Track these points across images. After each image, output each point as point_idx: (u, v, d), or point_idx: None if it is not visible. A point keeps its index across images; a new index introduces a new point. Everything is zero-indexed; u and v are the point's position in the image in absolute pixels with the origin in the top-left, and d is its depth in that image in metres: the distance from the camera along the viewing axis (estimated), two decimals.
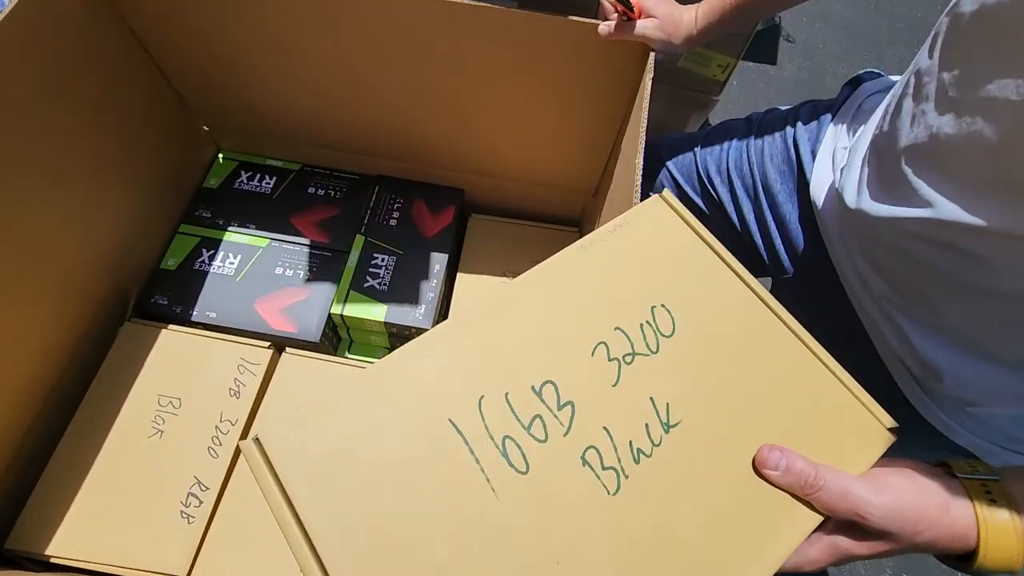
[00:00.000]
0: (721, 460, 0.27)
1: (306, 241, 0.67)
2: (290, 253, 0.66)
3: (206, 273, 0.63)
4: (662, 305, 0.29)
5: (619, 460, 0.26)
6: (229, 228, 0.67)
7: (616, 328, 0.28)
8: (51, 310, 0.51)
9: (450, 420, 0.25)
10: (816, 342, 0.30)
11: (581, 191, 0.70)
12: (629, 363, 0.28)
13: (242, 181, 0.70)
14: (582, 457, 0.25)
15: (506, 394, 0.26)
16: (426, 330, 0.62)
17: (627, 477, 0.25)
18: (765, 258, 0.59)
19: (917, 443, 0.43)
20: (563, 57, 0.52)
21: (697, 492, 0.26)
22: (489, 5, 0.48)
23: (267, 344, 0.58)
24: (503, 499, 0.24)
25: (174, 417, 0.54)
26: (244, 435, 0.54)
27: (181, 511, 0.50)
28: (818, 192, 0.51)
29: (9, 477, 0.49)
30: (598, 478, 0.25)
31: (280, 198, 0.69)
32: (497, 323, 0.27)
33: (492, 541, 0.23)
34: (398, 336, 0.65)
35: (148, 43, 0.57)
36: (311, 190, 0.70)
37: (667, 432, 0.26)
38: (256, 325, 0.61)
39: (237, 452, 0.53)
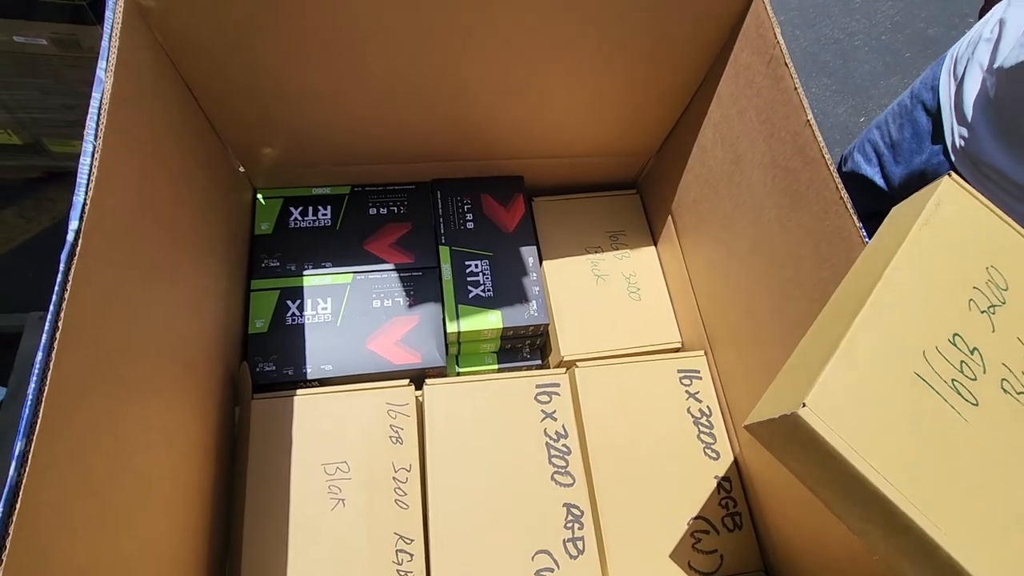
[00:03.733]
0: None
1: (390, 266, 0.63)
2: (380, 282, 0.62)
3: (302, 326, 0.59)
4: (992, 265, 0.35)
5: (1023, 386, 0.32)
6: (305, 272, 0.61)
7: (973, 287, 0.34)
8: (188, 408, 0.45)
9: (916, 374, 0.31)
10: None
11: (642, 154, 0.71)
12: (993, 314, 0.33)
13: (295, 218, 0.64)
14: (1004, 391, 0.32)
15: (936, 347, 0.32)
16: (545, 324, 0.63)
17: None
18: None
19: None
20: (617, 23, 0.50)
21: None
22: None
23: (407, 382, 0.56)
24: (974, 426, 0.30)
25: (348, 482, 0.50)
26: (423, 477, 0.52)
27: (397, 570, 0.48)
28: None
29: None
30: (1018, 401, 0.32)
31: (344, 227, 0.64)
32: (895, 299, 0.33)
33: (977, 461, 0.30)
34: (512, 338, 0.65)
35: (190, 81, 0.49)
36: (372, 211, 0.66)
37: None
38: (378, 366, 0.58)
39: (425, 496, 0.51)
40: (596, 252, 0.69)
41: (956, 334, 0.32)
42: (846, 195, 0.40)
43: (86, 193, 0.30)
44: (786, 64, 0.45)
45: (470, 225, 0.66)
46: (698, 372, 0.60)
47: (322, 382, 0.57)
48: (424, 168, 0.68)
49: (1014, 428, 0.31)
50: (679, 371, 0.60)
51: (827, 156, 0.41)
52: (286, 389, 0.55)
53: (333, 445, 0.52)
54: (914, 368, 0.31)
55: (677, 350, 0.65)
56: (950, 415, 0.30)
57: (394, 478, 0.51)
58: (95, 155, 0.31)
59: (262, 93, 0.51)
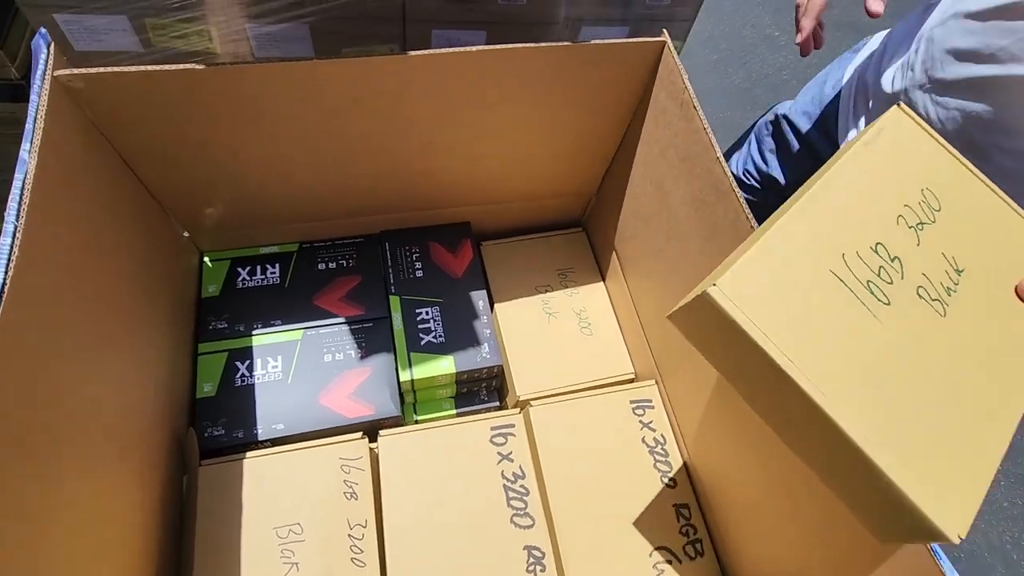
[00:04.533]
0: (998, 295, 0.36)
1: (341, 319, 0.63)
2: (331, 336, 0.62)
3: (252, 386, 0.58)
4: (928, 187, 0.38)
5: (940, 295, 0.35)
6: (254, 332, 0.61)
7: (905, 205, 0.37)
8: (127, 486, 0.44)
9: (831, 271, 0.33)
10: None
11: (583, 193, 0.74)
12: (921, 230, 0.36)
13: (243, 278, 0.64)
14: (919, 296, 0.34)
15: (857, 252, 0.34)
16: (499, 366, 0.64)
17: (948, 306, 0.34)
18: None
19: None
20: (552, 78, 0.54)
21: (993, 318, 0.35)
22: (463, 49, 0.49)
23: (360, 435, 0.55)
24: (884, 322, 0.33)
25: (302, 544, 0.49)
26: (379, 532, 0.51)
27: None
28: None
29: None
30: (931, 308, 0.34)
31: (293, 284, 0.65)
32: (823, 206, 0.35)
33: (878, 351, 0.32)
34: (467, 382, 0.65)
35: (125, 153, 0.50)
36: (321, 266, 0.67)
37: (959, 275, 0.36)
38: (331, 421, 0.57)
39: (383, 551, 0.50)
40: (546, 291, 0.71)
41: (880, 243, 0.35)
42: (755, 223, 0.43)
43: (5, 274, 0.31)
44: (695, 107, 0.49)
45: (419, 273, 0.67)
46: (650, 401, 0.61)
47: (275, 442, 0.56)
48: (372, 221, 0.70)
49: (922, 327, 0.33)
50: (631, 402, 0.61)
51: (736, 190, 0.44)
52: (237, 453, 0.54)
53: (285, 507, 0.51)
54: (831, 266, 0.33)
55: (631, 381, 0.66)
56: (858, 310, 0.32)
57: (349, 535, 0.50)
58: (16, 235, 0.32)
59: (199, 162, 0.53)
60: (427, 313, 0.65)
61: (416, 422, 0.65)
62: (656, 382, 0.63)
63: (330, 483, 0.52)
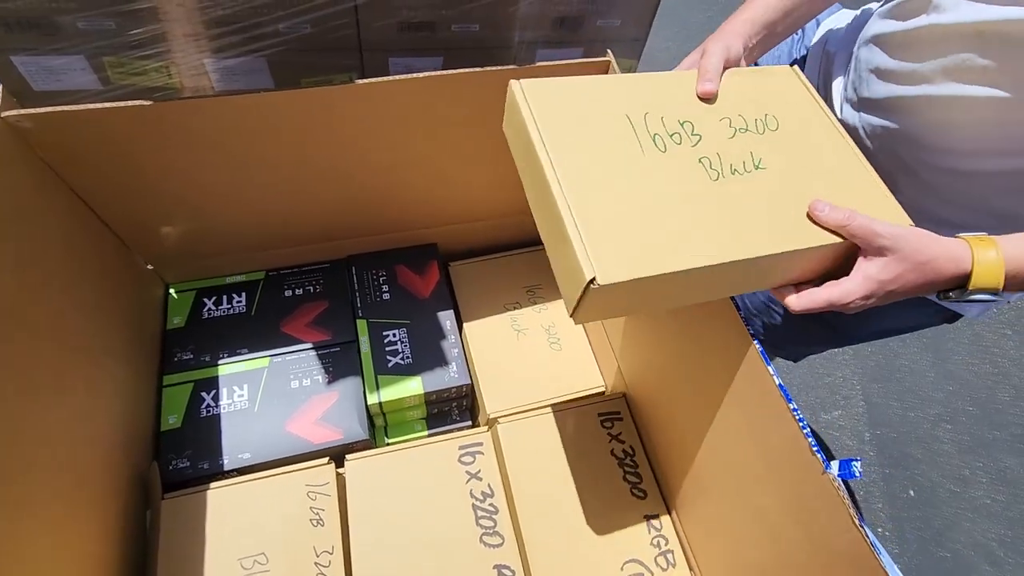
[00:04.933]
0: (784, 194, 0.38)
1: (308, 345, 0.63)
2: (297, 363, 0.62)
3: (217, 416, 0.58)
4: (774, 116, 0.41)
5: (720, 170, 0.38)
6: (220, 362, 0.61)
7: (739, 114, 0.41)
8: (81, 522, 0.44)
9: (626, 115, 0.38)
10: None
11: None
12: (743, 132, 0.40)
13: (209, 308, 0.64)
14: (699, 161, 0.38)
15: (661, 116, 0.39)
16: (467, 385, 0.64)
17: (723, 178, 0.38)
18: None
19: None
20: (504, 100, 0.55)
21: (760, 202, 0.38)
22: (416, 76, 0.50)
23: (326, 460, 0.55)
24: (648, 158, 0.37)
25: (267, 574, 0.49)
26: (347, 558, 0.51)
27: None
28: None
29: None
30: (706, 172, 0.38)
31: (260, 312, 0.65)
32: (663, 82, 0.40)
33: (638, 175, 0.37)
34: (437, 403, 0.65)
35: (80, 190, 0.50)
36: (288, 292, 0.67)
37: (756, 168, 0.39)
38: (298, 447, 0.57)
39: None
40: (515, 308, 0.72)
41: (688, 121, 0.39)
42: None
43: None
44: None
45: (386, 296, 0.68)
46: (618, 414, 0.62)
47: (242, 471, 0.56)
48: (340, 245, 0.70)
49: (684, 176, 0.37)
50: (600, 415, 0.62)
51: None
52: (203, 484, 0.54)
53: (250, 537, 0.50)
54: (628, 112, 0.38)
55: (602, 394, 0.67)
56: (631, 143, 0.37)
57: (316, 563, 0.50)
58: None
59: (156, 196, 0.53)
60: (394, 335, 0.65)
61: (388, 444, 0.65)
62: (624, 394, 0.63)
63: (295, 511, 0.52)
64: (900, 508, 1.03)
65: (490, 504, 0.55)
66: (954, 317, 0.58)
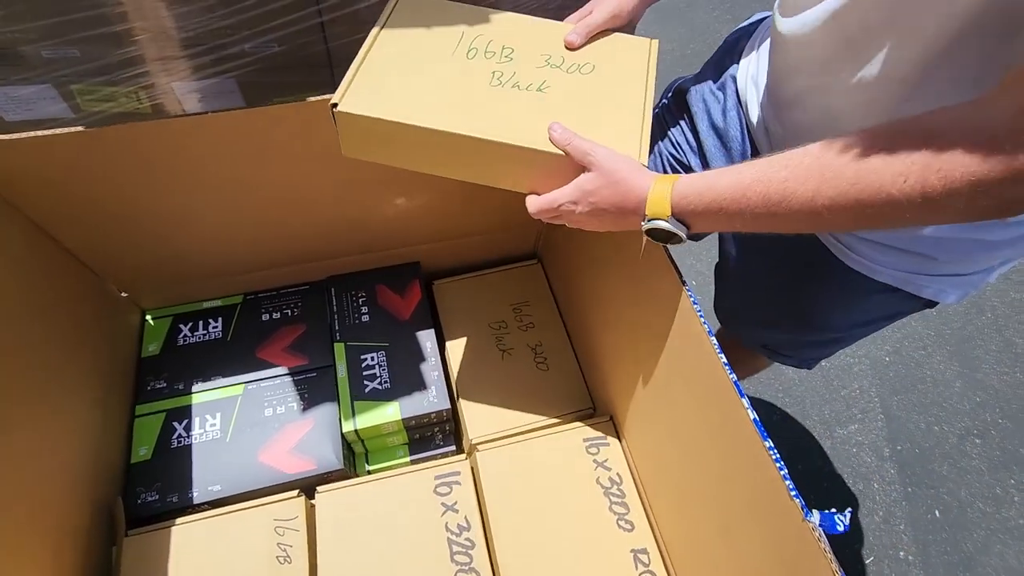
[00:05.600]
0: (542, 112, 0.42)
1: (283, 370, 0.62)
2: (272, 389, 0.60)
3: (189, 447, 0.56)
4: (592, 63, 0.45)
5: (503, 83, 0.43)
6: (194, 389, 0.60)
7: (570, 54, 0.46)
8: (34, 559, 0.42)
9: (463, 31, 0.44)
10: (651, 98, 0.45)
11: (532, 223, 0.72)
12: (555, 67, 0.45)
13: (185, 335, 0.63)
14: (492, 72, 0.44)
15: (491, 40, 0.45)
16: (447, 410, 0.61)
17: (502, 86, 0.43)
18: None
19: (845, 288, 0.50)
20: None
21: (524, 110, 0.42)
22: None
23: (296, 493, 0.53)
24: (453, 61, 0.44)
25: None
26: None
27: None
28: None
29: None
30: (490, 79, 0.43)
31: (236, 337, 0.64)
32: (517, 23, 0.47)
33: (439, 70, 0.43)
34: (417, 428, 0.63)
35: (38, 219, 0.50)
36: (265, 317, 0.65)
37: (537, 91, 0.44)
38: (270, 479, 0.55)
39: None
40: (500, 327, 0.69)
41: (513, 48, 0.45)
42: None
43: None
44: None
45: (365, 318, 0.66)
46: (605, 439, 0.58)
47: (212, 504, 0.54)
48: (320, 266, 0.69)
49: (470, 76, 0.43)
50: (585, 440, 0.58)
51: None
52: (172, 518, 0.52)
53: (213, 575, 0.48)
54: (468, 28, 0.45)
55: (590, 416, 0.63)
56: (448, 48, 0.44)
57: None
58: None
59: (116, 220, 0.52)
60: (372, 359, 0.63)
61: (368, 472, 0.63)
62: (611, 417, 0.60)
63: (261, 547, 0.50)
64: (925, 530, 0.96)
65: (466, 538, 0.52)
66: (930, 303, 0.52)
